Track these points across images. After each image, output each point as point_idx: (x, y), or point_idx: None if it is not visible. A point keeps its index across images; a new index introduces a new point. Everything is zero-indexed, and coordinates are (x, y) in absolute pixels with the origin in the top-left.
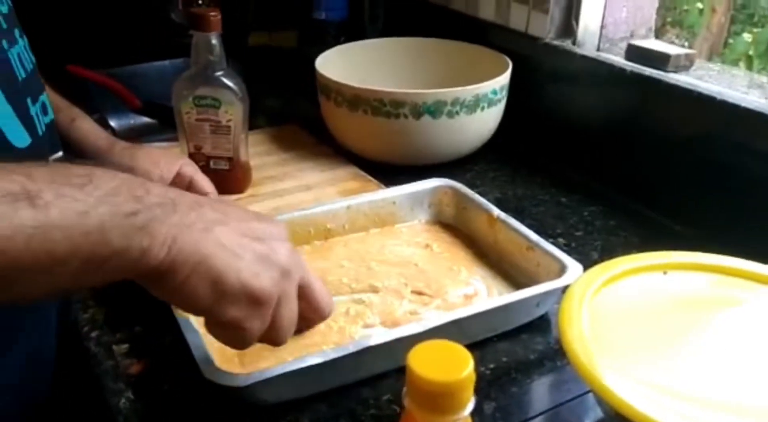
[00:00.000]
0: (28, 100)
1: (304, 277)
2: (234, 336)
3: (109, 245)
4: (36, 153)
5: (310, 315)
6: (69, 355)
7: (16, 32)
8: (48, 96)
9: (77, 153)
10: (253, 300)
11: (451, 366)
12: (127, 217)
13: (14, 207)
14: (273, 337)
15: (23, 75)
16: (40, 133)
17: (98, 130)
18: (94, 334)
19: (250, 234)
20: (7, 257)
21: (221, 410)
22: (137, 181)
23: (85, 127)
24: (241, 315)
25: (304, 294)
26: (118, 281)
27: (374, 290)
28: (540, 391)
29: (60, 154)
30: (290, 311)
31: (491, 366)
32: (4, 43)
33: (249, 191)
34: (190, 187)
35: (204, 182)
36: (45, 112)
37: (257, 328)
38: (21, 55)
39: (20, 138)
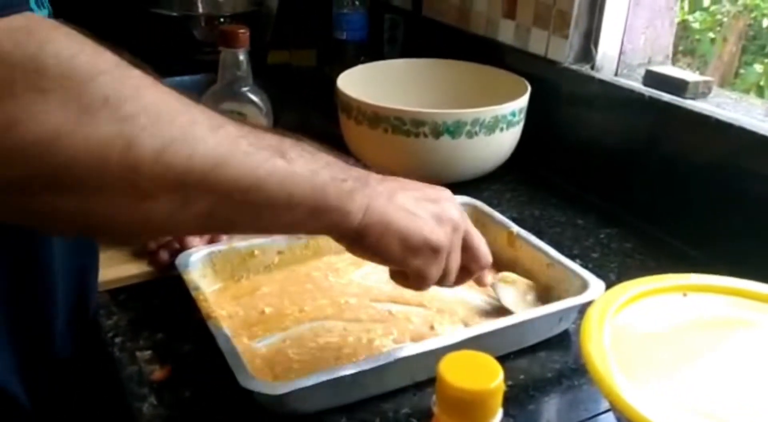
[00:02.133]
0: None
1: (467, 231)
2: (416, 281)
3: (327, 201)
4: None
5: (471, 264)
6: (90, 359)
7: None
8: None
9: None
10: (433, 250)
11: (481, 376)
12: (340, 182)
13: (272, 155)
14: (443, 281)
15: None
16: None
17: None
18: (117, 340)
19: (424, 198)
20: (264, 192)
21: (243, 418)
22: (340, 160)
23: None
24: (423, 263)
25: (466, 245)
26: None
27: (397, 303)
28: (557, 410)
29: None
30: (457, 259)
31: (509, 383)
32: None
33: None
34: None
35: None
36: None
37: (435, 273)
38: None
39: None
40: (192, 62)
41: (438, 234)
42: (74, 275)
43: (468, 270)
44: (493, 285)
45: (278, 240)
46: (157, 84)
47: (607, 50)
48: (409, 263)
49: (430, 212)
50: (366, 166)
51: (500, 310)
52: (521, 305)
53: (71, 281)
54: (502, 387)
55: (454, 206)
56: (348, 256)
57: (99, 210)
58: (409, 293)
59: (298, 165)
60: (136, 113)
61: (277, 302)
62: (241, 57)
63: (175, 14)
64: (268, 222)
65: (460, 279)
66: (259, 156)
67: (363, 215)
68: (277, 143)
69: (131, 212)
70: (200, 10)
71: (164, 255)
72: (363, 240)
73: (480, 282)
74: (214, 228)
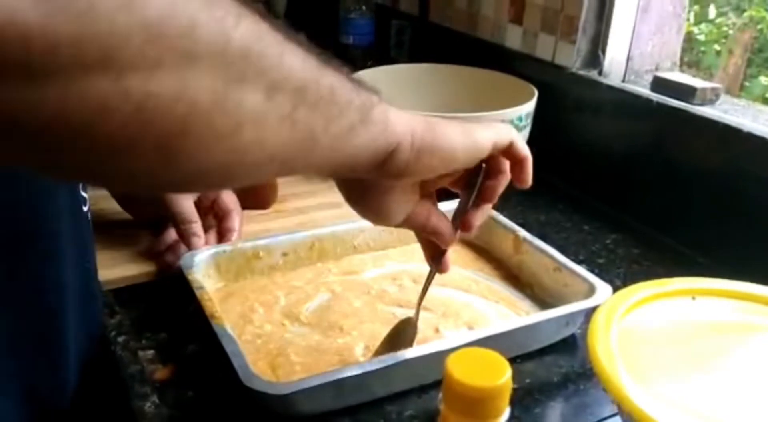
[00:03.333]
0: None
1: None
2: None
3: (371, 101)
4: None
5: None
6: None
7: None
8: None
9: None
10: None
11: (489, 373)
12: (383, 113)
13: (330, 62)
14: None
15: None
16: None
17: None
18: (120, 339)
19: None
20: (326, 89)
21: (246, 419)
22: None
23: None
24: (493, 132)
25: None
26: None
27: (401, 307)
28: (563, 413)
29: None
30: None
31: (515, 386)
32: None
33: (274, 207)
34: (216, 200)
35: (227, 196)
36: None
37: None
38: None
39: None
40: None
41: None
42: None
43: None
44: None
45: (283, 242)
46: None
47: (614, 56)
48: (480, 138)
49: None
50: None
51: (506, 315)
52: None
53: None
54: (510, 385)
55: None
56: (352, 260)
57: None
58: (414, 296)
59: (331, 70)
60: None
61: (282, 303)
62: None
63: None
64: (326, 130)
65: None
66: (310, 61)
67: (411, 144)
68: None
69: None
70: None
71: (170, 257)
72: (414, 164)
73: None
74: (296, 143)
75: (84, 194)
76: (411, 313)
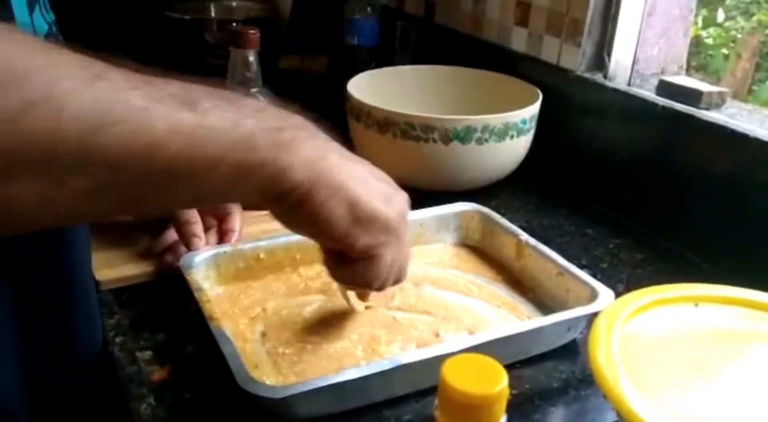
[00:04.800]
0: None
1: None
2: (366, 267)
3: (258, 153)
4: None
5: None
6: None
7: (61, 39)
8: None
9: None
10: (384, 227)
11: (485, 380)
12: (273, 131)
13: (177, 108)
14: (397, 276)
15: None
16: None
17: None
18: (118, 340)
19: (375, 176)
20: (168, 153)
21: (242, 420)
22: (280, 109)
23: None
24: (374, 241)
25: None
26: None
27: (402, 310)
28: (563, 419)
29: None
30: (407, 253)
31: (514, 392)
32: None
33: None
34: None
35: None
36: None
37: (389, 258)
38: None
39: None
40: (204, 66)
41: (391, 210)
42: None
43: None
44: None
45: (283, 243)
46: (10, 32)
47: (620, 59)
48: (357, 237)
49: (379, 189)
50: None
51: (507, 320)
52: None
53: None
54: (507, 392)
55: (402, 195)
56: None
57: None
58: (414, 300)
59: (212, 116)
60: None
61: (281, 305)
62: (251, 58)
63: (188, 18)
64: (185, 192)
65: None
66: (157, 110)
67: (310, 170)
68: (185, 92)
69: None
70: (213, 14)
71: (170, 257)
72: (305, 202)
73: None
74: (114, 208)
75: None
76: (411, 316)
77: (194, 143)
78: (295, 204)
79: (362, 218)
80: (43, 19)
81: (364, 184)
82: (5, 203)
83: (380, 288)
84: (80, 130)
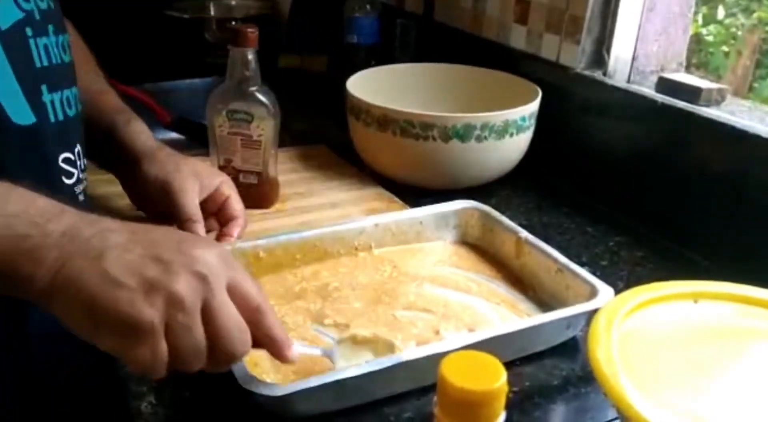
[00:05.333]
0: (43, 88)
1: (209, 305)
2: (132, 365)
3: None
4: (42, 134)
5: (216, 350)
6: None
7: (51, 28)
8: (79, 91)
9: (122, 155)
10: (130, 328)
11: (484, 376)
12: (18, 239)
13: None
14: (181, 364)
15: (44, 64)
16: (53, 120)
17: (148, 134)
18: None
19: (152, 257)
20: None
21: (243, 420)
22: (54, 210)
23: (138, 129)
24: (118, 344)
25: (207, 322)
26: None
27: (402, 308)
28: (563, 417)
29: (77, 148)
30: (188, 340)
31: (514, 389)
32: (28, 30)
33: (275, 206)
34: (224, 205)
35: (236, 204)
36: (69, 105)
37: (149, 357)
38: (49, 47)
39: (23, 116)
40: (203, 65)
41: (139, 309)
42: None
43: (214, 355)
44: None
45: (283, 241)
46: None
47: (619, 56)
48: (100, 341)
49: (142, 279)
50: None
51: (507, 317)
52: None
53: None
54: (505, 389)
55: (189, 272)
56: (353, 260)
57: None
58: (414, 298)
59: None
60: None
61: (281, 304)
62: (250, 56)
63: (187, 17)
64: None
65: (213, 363)
66: None
67: (53, 276)
68: None
69: None
70: (212, 13)
71: None
72: (52, 305)
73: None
74: None
75: (81, 175)
76: (411, 314)
77: None
78: (48, 306)
79: (101, 321)
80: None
81: (111, 282)
82: None
83: (213, 367)
84: None
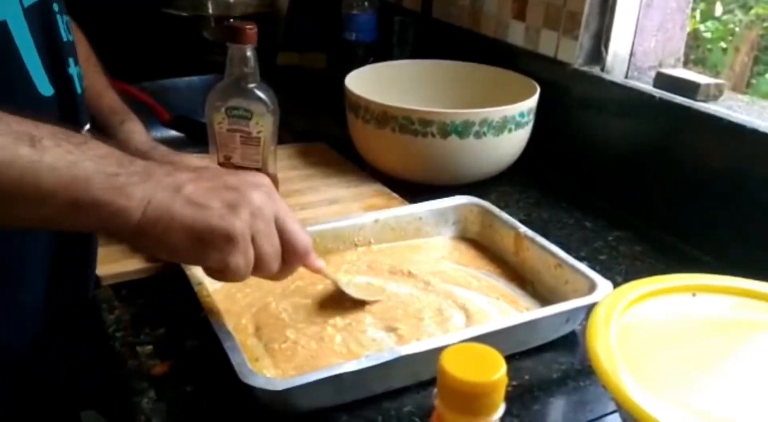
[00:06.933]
0: (70, 60)
1: (278, 216)
2: (223, 273)
3: (91, 194)
4: (69, 105)
5: (286, 254)
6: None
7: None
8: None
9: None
10: (226, 239)
11: (483, 368)
12: (108, 177)
13: (16, 143)
14: (262, 269)
15: (70, 39)
16: (79, 92)
17: (144, 133)
18: (119, 334)
19: (221, 186)
20: (3, 182)
21: (243, 414)
22: (125, 155)
23: (134, 128)
24: (220, 255)
25: (279, 231)
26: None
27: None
28: (562, 410)
29: (87, 126)
30: (269, 245)
31: (514, 383)
32: (55, 5)
33: None
34: None
35: None
36: (81, 81)
37: (242, 263)
38: (68, 24)
39: (45, 88)
40: (202, 63)
41: (229, 221)
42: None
43: (285, 259)
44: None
45: None
46: None
47: (617, 52)
48: (206, 257)
49: (223, 200)
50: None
51: (506, 312)
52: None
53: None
54: (505, 380)
55: (257, 190)
56: (355, 255)
57: None
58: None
59: (51, 154)
60: None
61: (281, 299)
62: (249, 53)
63: (185, 15)
64: (24, 215)
65: (283, 269)
66: None
67: (144, 211)
68: (29, 130)
69: None
70: (211, 11)
71: None
72: (146, 236)
73: (310, 267)
74: None
75: None
76: (413, 311)
77: (27, 176)
78: (135, 239)
79: (201, 238)
80: None
81: (197, 205)
82: None
83: (281, 274)
84: None
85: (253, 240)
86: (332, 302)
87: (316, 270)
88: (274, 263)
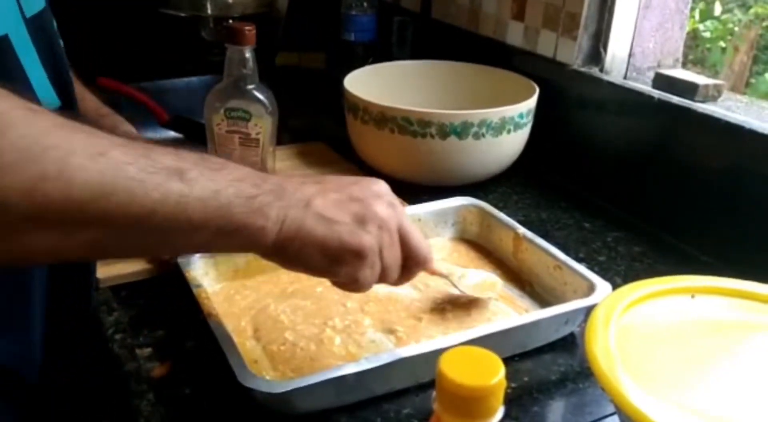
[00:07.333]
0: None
1: (401, 226)
2: (352, 286)
3: (234, 220)
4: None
5: (409, 262)
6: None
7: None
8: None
9: None
10: (356, 254)
11: (482, 372)
12: (247, 200)
13: (168, 178)
14: (385, 279)
15: (62, 45)
16: (75, 100)
17: (138, 137)
18: (118, 337)
19: (347, 198)
20: (157, 218)
21: (243, 417)
22: (257, 173)
23: (127, 131)
24: (352, 269)
25: (402, 240)
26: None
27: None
28: (561, 412)
29: None
30: (393, 256)
31: (513, 385)
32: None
33: None
34: None
35: None
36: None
37: (369, 276)
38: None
39: (50, 101)
40: (201, 63)
41: (359, 237)
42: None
43: (407, 267)
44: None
45: None
46: (32, 112)
47: (616, 52)
48: (337, 271)
49: (351, 214)
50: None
51: (505, 313)
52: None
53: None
54: (504, 384)
55: (381, 201)
56: None
57: None
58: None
59: (198, 186)
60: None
61: (279, 301)
62: (247, 54)
63: (184, 15)
64: (174, 245)
65: (404, 276)
66: (150, 181)
67: (279, 229)
68: (176, 164)
69: (6, 245)
70: (209, 11)
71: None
72: (283, 254)
73: (428, 271)
74: (109, 253)
75: None
76: (410, 311)
77: (180, 210)
78: (273, 255)
79: (335, 254)
80: None
81: (328, 221)
82: (26, 249)
83: (402, 281)
84: (83, 199)
85: (379, 252)
86: (331, 303)
87: (433, 273)
88: (396, 272)
